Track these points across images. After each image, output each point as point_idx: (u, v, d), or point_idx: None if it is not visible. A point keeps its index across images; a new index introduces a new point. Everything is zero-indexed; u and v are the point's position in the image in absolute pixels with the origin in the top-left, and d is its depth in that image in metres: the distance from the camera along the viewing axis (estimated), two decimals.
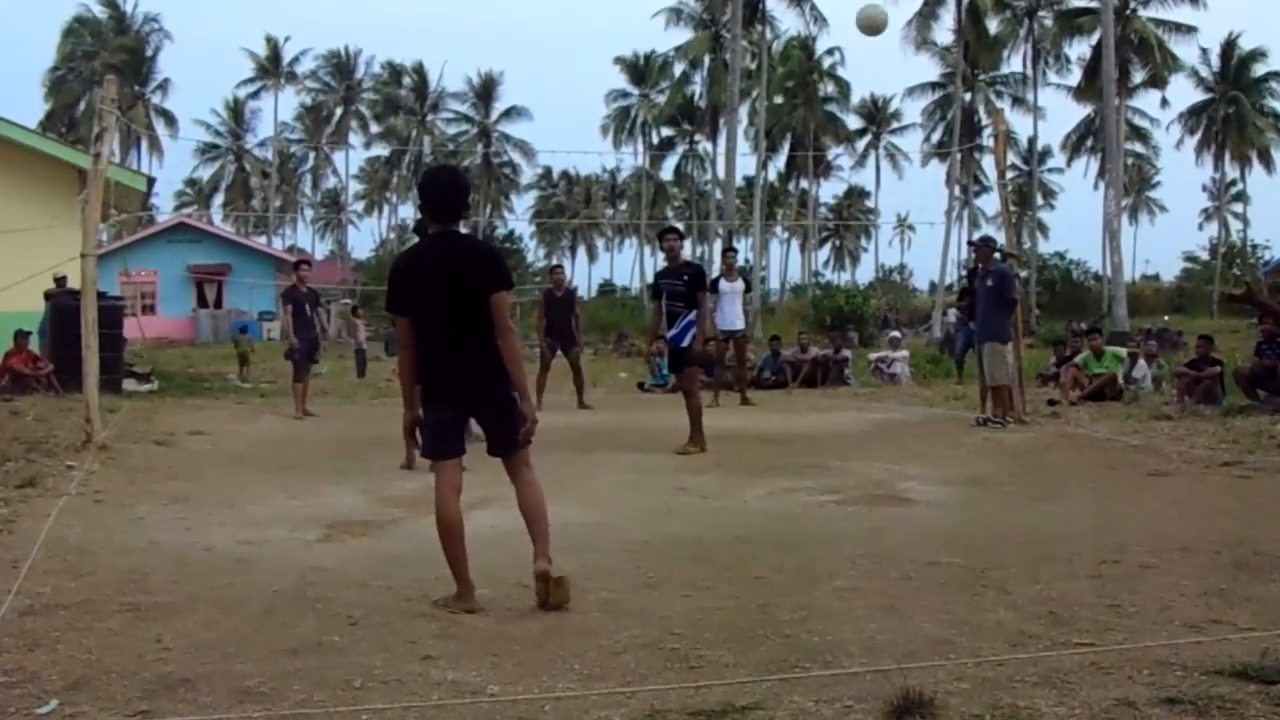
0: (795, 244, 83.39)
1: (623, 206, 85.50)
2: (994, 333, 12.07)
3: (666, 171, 75.25)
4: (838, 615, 4.77)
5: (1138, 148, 65.78)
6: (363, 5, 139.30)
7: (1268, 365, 13.17)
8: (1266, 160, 63.02)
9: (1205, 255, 76.55)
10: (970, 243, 13.10)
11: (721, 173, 50.56)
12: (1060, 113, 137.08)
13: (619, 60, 69.51)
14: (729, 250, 18.79)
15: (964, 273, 49.53)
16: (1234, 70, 61.89)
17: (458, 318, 5.01)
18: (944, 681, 3.84)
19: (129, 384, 18.02)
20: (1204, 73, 61.88)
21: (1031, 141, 62.10)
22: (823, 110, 63.70)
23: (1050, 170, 71.94)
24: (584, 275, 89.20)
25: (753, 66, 53.74)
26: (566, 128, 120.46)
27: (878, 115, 72.74)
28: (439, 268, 5.04)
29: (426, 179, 5.31)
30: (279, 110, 71.68)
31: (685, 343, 10.47)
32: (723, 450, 10.29)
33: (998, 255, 12.47)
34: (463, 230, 5.32)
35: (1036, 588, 5.18)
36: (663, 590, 5.28)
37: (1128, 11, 49.13)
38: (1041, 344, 28.21)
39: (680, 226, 41.98)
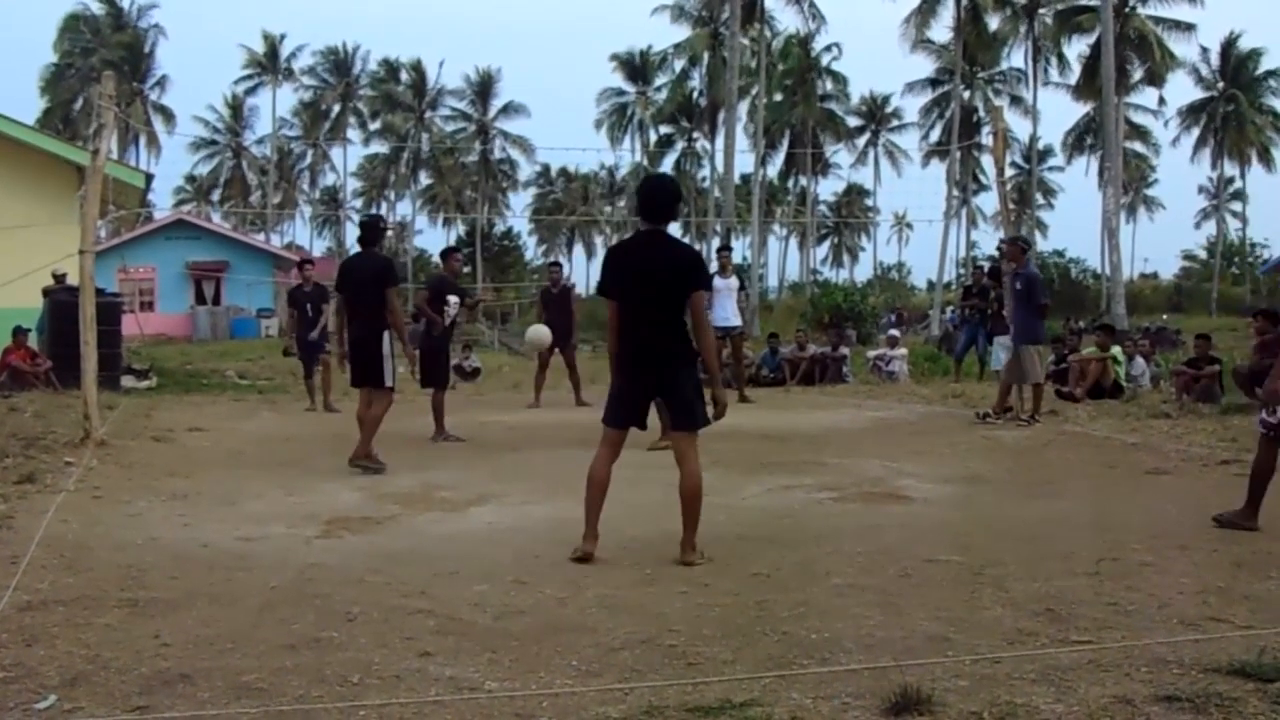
0: (794, 241, 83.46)
1: (621, 203, 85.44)
2: (1029, 336, 12.08)
3: (665, 168, 75.18)
4: (835, 612, 4.77)
5: (1137, 146, 65.78)
6: (359, 2, 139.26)
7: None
8: (1266, 159, 63.06)
9: (1204, 254, 76.69)
10: (1002, 241, 13.05)
11: (721, 170, 50.56)
12: (1060, 110, 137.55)
13: (615, 58, 69.47)
14: (723, 249, 18.79)
15: (963, 272, 49.57)
16: (1233, 68, 61.96)
17: (652, 307, 5.71)
18: (942, 679, 3.84)
19: (127, 380, 18.03)
20: (1203, 71, 62.01)
21: (1031, 140, 62.14)
22: (821, 108, 63.71)
23: (1050, 169, 72.00)
24: (582, 272, 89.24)
25: (752, 64, 53.73)
26: (565, 125, 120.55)
27: (877, 113, 72.75)
28: (641, 263, 5.78)
29: (641, 184, 6.22)
30: (277, 107, 71.80)
31: None
32: (720, 447, 10.27)
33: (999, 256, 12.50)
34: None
35: (1034, 585, 5.18)
36: (660, 587, 5.29)
37: (1127, 9, 49.12)
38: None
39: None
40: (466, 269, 64.40)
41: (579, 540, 5.85)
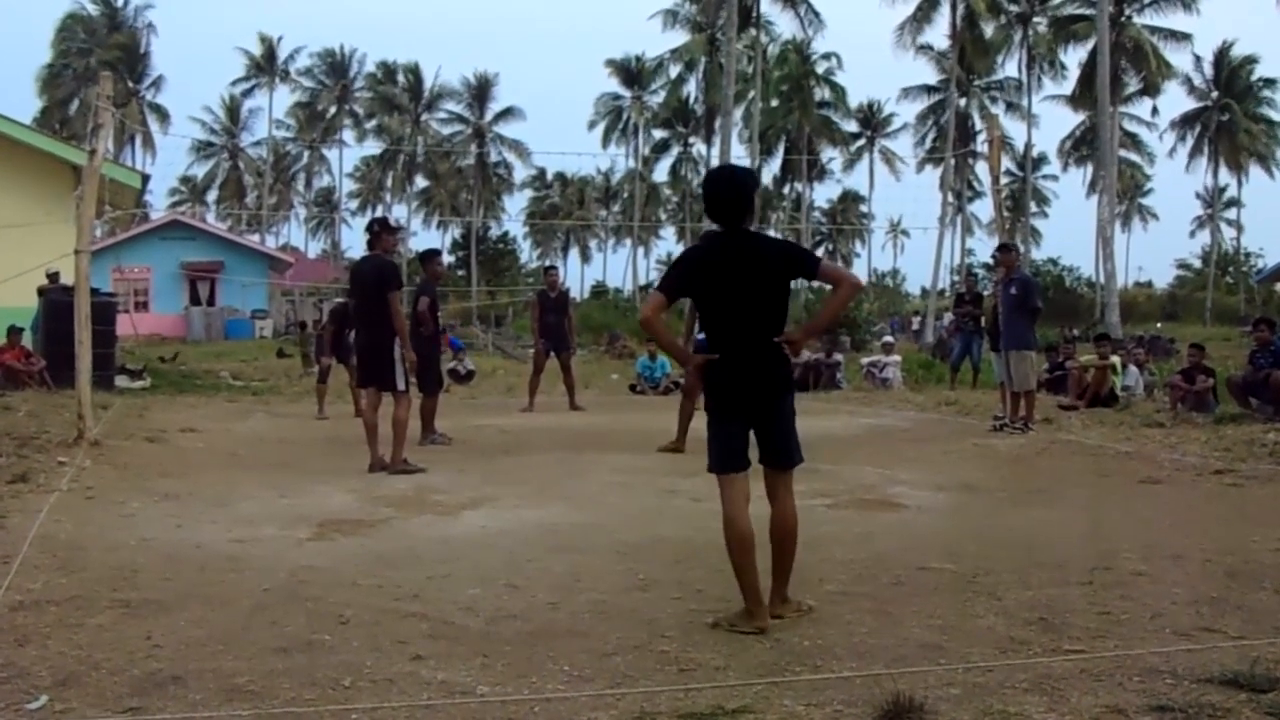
0: None
1: (616, 208, 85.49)
2: (1020, 341, 12.11)
3: (661, 173, 75.35)
4: (828, 619, 4.77)
5: (1133, 156, 65.93)
6: (357, 5, 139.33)
7: (1260, 374, 13.20)
8: (1265, 165, 63.23)
9: (1198, 263, 76.91)
10: (999, 248, 13.02)
11: None
12: (1055, 119, 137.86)
13: (610, 63, 69.53)
14: None
15: (957, 279, 49.64)
16: (1227, 77, 62.14)
17: (749, 321, 4.74)
18: (934, 687, 3.84)
19: (121, 380, 17.99)
20: (1197, 80, 62.20)
21: (1026, 148, 62.26)
22: (817, 114, 63.78)
23: (1045, 177, 72.14)
24: (577, 276, 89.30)
25: (749, 70, 53.74)
26: (561, 129, 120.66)
27: (873, 120, 72.86)
28: (734, 266, 4.70)
29: (710, 178, 5.00)
30: (274, 109, 71.78)
31: None
32: None
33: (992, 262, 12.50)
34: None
35: (1027, 594, 5.18)
36: (653, 592, 5.28)
37: (1122, 19, 49.25)
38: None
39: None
40: (461, 272, 64.31)
41: (573, 545, 5.82)
